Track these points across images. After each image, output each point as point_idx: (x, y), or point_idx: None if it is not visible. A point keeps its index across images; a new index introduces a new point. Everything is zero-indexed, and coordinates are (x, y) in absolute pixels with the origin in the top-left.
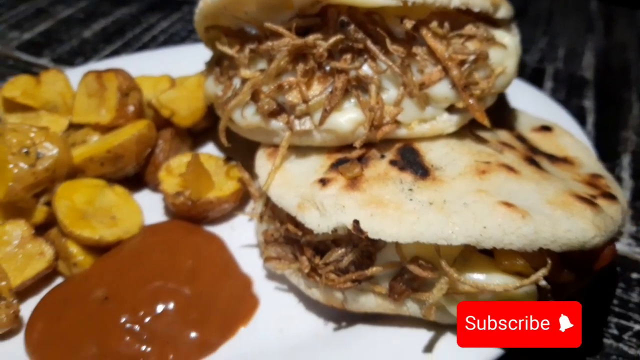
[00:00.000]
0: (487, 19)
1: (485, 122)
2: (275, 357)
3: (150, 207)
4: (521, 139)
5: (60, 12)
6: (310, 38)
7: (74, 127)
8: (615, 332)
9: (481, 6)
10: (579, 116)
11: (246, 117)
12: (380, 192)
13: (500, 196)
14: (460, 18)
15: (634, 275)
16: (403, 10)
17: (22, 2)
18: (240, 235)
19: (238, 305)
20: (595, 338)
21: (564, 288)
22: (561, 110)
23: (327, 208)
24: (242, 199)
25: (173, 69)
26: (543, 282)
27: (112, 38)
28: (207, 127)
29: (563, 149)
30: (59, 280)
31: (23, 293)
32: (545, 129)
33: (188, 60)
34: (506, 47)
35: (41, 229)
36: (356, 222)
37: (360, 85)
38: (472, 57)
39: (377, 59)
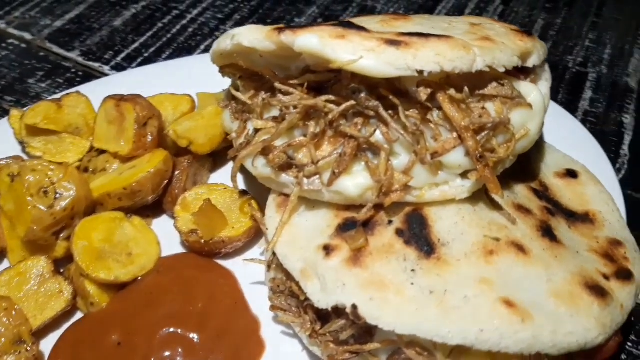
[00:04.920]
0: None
1: (500, 193)
2: None
3: (168, 235)
4: (539, 191)
5: None
6: (322, 100)
7: (95, 150)
8: None
9: (508, 63)
10: (618, 135)
11: (257, 167)
12: (382, 270)
13: (503, 289)
14: (486, 74)
15: None
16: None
17: None
18: (252, 270)
19: (244, 349)
20: None
21: None
22: (593, 142)
23: (328, 283)
24: (256, 233)
25: (196, 81)
26: None
27: (141, 29)
28: (228, 147)
29: (586, 202)
30: (78, 315)
31: (43, 330)
32: (571, 174)
33: (212, 71)
34: (531, 107)
35: (62, 262)
36: (354, 307)
37: (370, 149)
38: (490, 125)
39: (389, 126)
